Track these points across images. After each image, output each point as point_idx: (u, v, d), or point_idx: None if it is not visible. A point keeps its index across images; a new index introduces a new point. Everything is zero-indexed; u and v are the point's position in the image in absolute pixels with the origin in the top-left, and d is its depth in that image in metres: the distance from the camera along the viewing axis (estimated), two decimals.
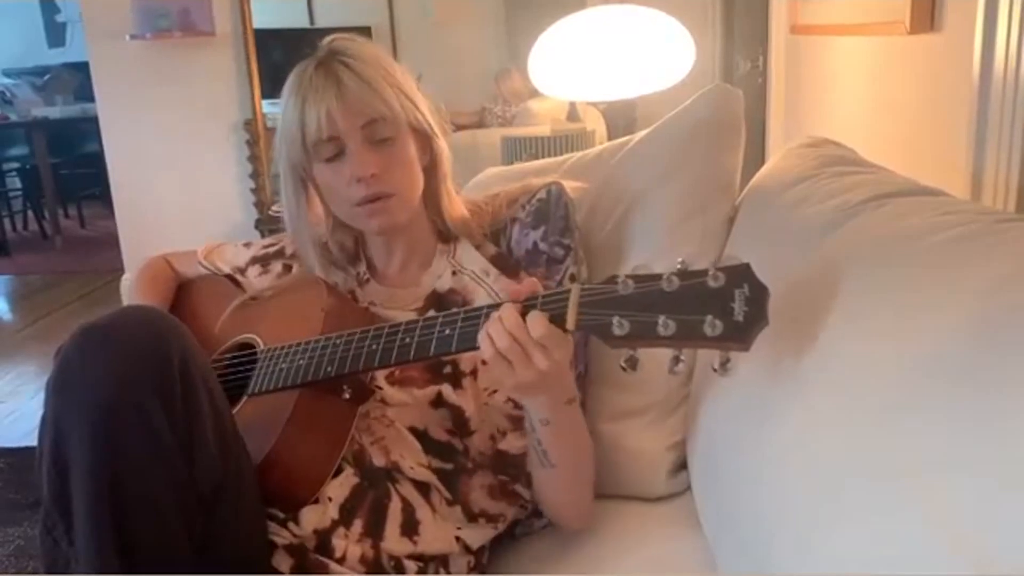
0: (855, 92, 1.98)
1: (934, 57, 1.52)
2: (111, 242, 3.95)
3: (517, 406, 1.10)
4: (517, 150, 3.45)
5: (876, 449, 0.70)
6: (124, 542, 0.85)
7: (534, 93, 3.55)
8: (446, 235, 1.23)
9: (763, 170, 1.34)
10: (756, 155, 2.67)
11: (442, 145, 1.19)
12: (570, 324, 0.86)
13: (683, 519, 1.16)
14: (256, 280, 1.30)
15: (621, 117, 2.65)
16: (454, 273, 1.20)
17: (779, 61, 2.62)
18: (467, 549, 1.11)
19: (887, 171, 1.13)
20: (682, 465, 1.24)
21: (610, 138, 2.78)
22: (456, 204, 1.23)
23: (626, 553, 1.13)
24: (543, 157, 2.43)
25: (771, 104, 2.69)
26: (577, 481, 1.11)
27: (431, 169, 1.19)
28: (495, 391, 1.12)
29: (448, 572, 1.08)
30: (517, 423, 1.11)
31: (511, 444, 1.11)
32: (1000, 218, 0.83)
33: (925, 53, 1.56)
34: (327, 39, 1.15)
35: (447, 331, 0.96)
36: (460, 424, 1.11)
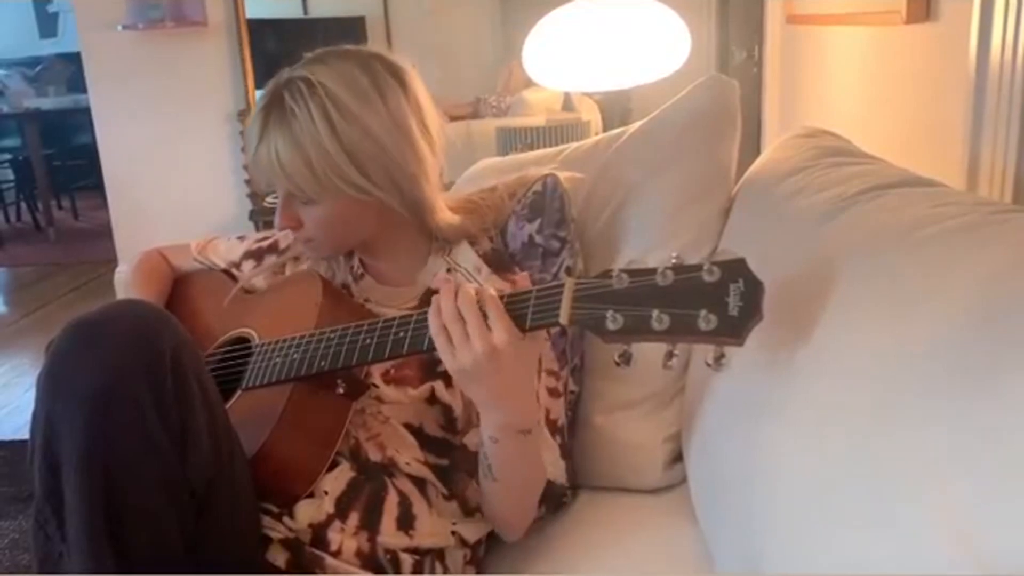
0: (851, 82, 1.97)
1: (930, 47, 1.52)
2: (105, 233, 3.93)
3: None
4: (512, 140, 3.45)
5: (874, 444, 0.70)
6: (117, 537, 0.84)
7: (529, 83, 3.55)
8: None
9: (759, 161, 1.34)
10: (752, 145, 2.66)
11: (413, 194, 1.10)
12: (564, 319, 0.85)
13: (679, 511, 1.16)
14: (251, 274, 1.30)
15: (616, 107, 2.64)
16: (449, 270, 1.19)
17: (775, 51, 2.62)
18: (463, 542, 1.11)
19: (883, 162, 1.13)
20: (678, 457, 1.24)
21: (605, 128, 2.77)
22: (446, 215, 1.17)
23: (622, 545, 1.13)
24: (538, 147, 2.42)
25: (767, 94, 2.69)
26: (517, 500, 1.09)
27: (399, 207, 1.10)
28: None
29: (444, 565, 1.08)
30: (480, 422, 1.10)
31: (470, 439, 1.10)
32: (996, 209, 0.83)
33: (921, 43, 1.55)
34: (303, 61, 1.08)
35: None
36: (450, 422, 1.11)
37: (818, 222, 0.96)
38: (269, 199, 3.48)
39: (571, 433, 1.25)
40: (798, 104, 2.46)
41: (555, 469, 1.13)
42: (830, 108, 2.13)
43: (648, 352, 0.84)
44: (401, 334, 0.98)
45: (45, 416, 0.86)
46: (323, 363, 1.02)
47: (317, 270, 1.19)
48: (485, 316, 0.87)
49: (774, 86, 2.64)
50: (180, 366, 0.88)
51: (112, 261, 3.86)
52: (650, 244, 1.26)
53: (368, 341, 1.00)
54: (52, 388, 0.86)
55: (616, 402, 1.26)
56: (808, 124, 1.41)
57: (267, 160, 1.05)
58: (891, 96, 1.72)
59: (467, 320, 0.88)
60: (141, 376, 0.85)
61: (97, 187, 4.24)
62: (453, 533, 1.10)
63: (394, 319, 0.99)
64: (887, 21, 1.62)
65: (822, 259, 0.90)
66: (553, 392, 1.14)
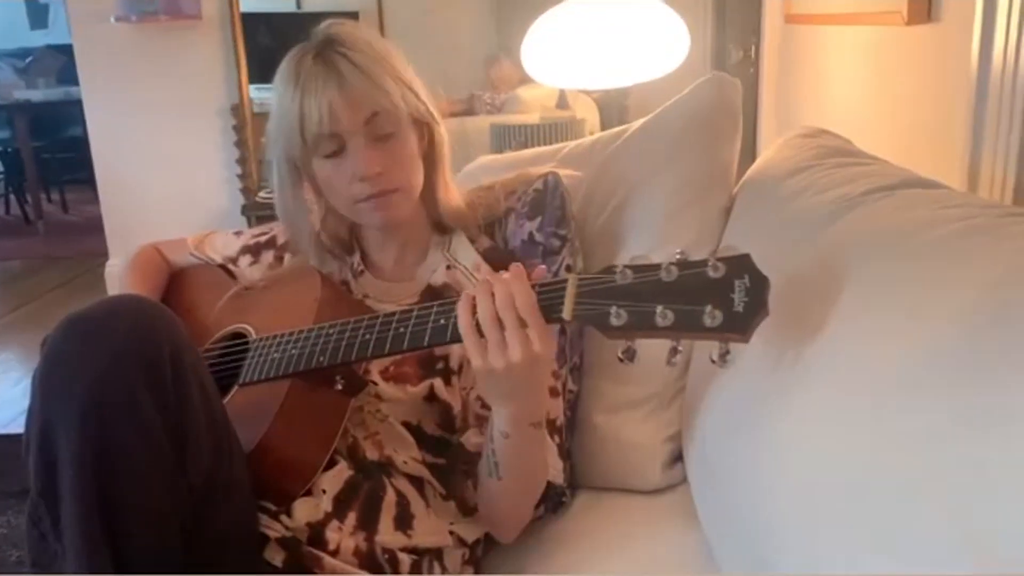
0: (850, 83, 1.97)
1: (931, 48, 1.52)
2: (95, 227, 3.90)
3: (485, 406, 1.08)
4: (506, 138, 3.44)
5: (880, 445, 0.70)
6: (113, 536, 0.83)
7: (523, 80, 3.53)
8: (442, 227, 1.22)
9: (760, 160, 1.33)
10: (747, 145, 2.66)
11: (442, 132, 1.17)
12: (567, 314, 0.84)
13: (679, 512, 1.15)
14: (248, 270, 1.29)
15: (614, 105, 2.64)
16: (448, 267, 1.18)
17: (772, 50, 2.62)
18: (461, 542, 1.10)
19: (886, 163, 1.13)
20: (678, 457, 1.23)
21: (603, 126, 2.76)
22: (453, 194, 1.21)
23: (623, 547, 1.12)
24: (532, 145, 2.42)
25: (763, 94, 2.69)
26: (519, 500, 1.08)
27: (428, 157, 1.16)
28: (472, 388, 1.11)
29: (442, 565, 1.07)
30: (480, 421, 1.09)
31: (468, 439, 1.10)
32: (1004, 212, 0.83)
33: (922, 44, 1.55)
34: (323, 24, 1.11)
35: (442, 321, 0.94)
36: (447, 421, 1.10)
37: (824, 222, 0.95)
38: (262, 194, 3.46)
39: (571, 433, 1.25)
40: (795, 104, 2.45)
41: (553, 469, 1.12)
42: (828, 109, 2.13)
43: (649, 351, 0.83)
44: (401, 330, 0.96)
45: (41, 413, 0.85)
46: (322, 359, 1.01)
47: (320, 268, 1.18)
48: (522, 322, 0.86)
49: (771, 86, 2.64)
50: (179, 362, 0.87)
51: (103, 255, 3.83)
52: (651, 242, 1.25)
53: (368, 337, 0.99)
54: (48, 384, 0.85)
55: (617, 402, 1.25)
56: (805, 124, 1.41)
57: (361, 85, 1.05)
58: (891, 97, 1.72)
59: (506, 326, 0.86)
60: (139, 372, 0.84)
61: (87, 180, 4.21)
62: (451, 533, 1.09)
63: (394, 314, 0.98)
64: (888, 21, 1.62)
65: (829, 258, 0.89)
66: (552, 391, 1.13)
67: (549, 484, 1.11)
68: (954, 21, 1.42)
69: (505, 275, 0.88)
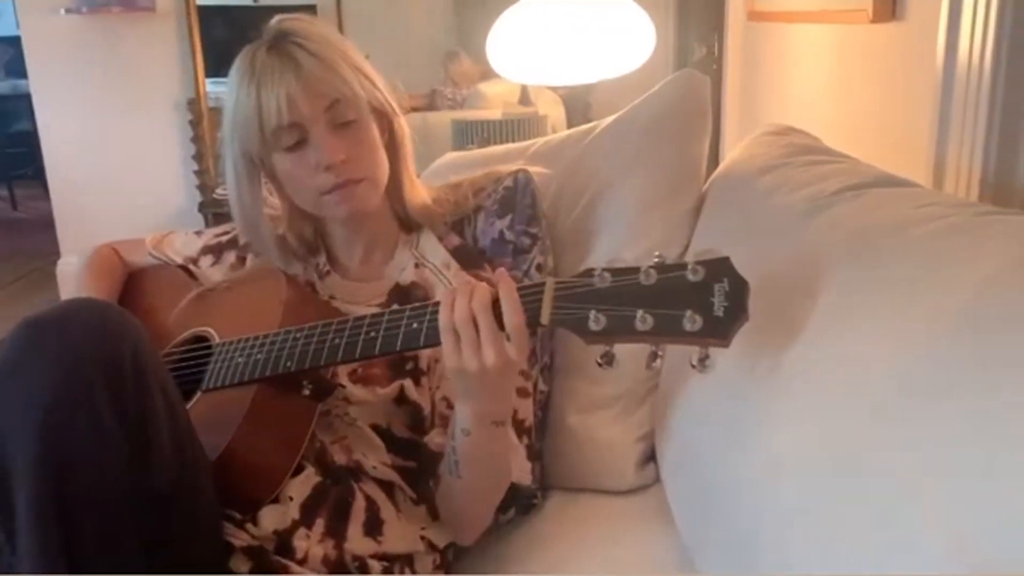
0: (814, 81, 1.98)
1: (897, 47, 1.52)
2: (45, 224, 3.79)
3: (451, 406, 1.07)
4: (468, 134, 3.41)
5: (865, 449, 0.69)
6: (71, 546, 0.79)
7: (485, 76, 3.51)
8: (408, 224, 1.19)
9: (729, 158, 1.33)
10: (710, 143, 2.66)
11: (402, 124, 1.15)
12: (545, 319, 0.83)
13: (654, 513, 1.14)
14: (209, 271, 1.25)
15: (578, 101, 2.63)
16: (417, 266, 1.16)
17: (735, 48, 2.62)
18: (432, 547, 1.08)
19: (856, 160, 1.13)
20: (650, 457, 1.22)
21: (569, 123, 2.75)
22: (418, 189, 1.19)
23: (599, 548, 1.10)
24: (494, 141, 2.39)
25: (726, 92, 2.69)
26: (478, 500, 1.07)
27: (390, 151, 1.14)
28: (438, 387, 1.09)
29: (414, 571, 1.05)
30: (445, 421, 1.08)
31: (432, 439, 1.08)
32: (977, 211, 0.83)
33: (888, 42, 1.55)
34: (274, 20, 1.09)
35: (414, 324, 0.92)
36: (417, 422, 1.08)
37: (799, 221, 0.95)
38: (219, 191, 3.39)
39: (543, 433, 1.23)
40: (759, 102, 2.46)
41: (521, 471, 1.11)
42: (792, 107, 2.13)
43: (621, 352, 0.82)
44: (372, 334, 0.94)
45: None
46: (289, 363, 0.98)
47: (285, 269, 1.15)
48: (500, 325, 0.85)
49: (734, 84, 2.64)
50: (141, 368, 0.84)
51: (54, 253, 3.73)
52: (622, 239, 1.24)
53: (337, 341, 0.96)
54: (2, 392, 0.81)
55: (589, 402, 1.24)
56: (772, 123, 1.41)
57: (319, 73, 1.03)
58: (856, 95, 1.72)
59: (480, 327, 0.85)
60: (98, 378, 0.81)
61: (37, 176, 4.10)
62: (422, 538, 1.07)
63: (364, 318, 0.96)
64: (853, 19, 1.62)
65: (807, 259, 0.88)
66: (522, 392, 1.11)
67: (518, 486, 1.10)
68: (919, 19, 1.42)
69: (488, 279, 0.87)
